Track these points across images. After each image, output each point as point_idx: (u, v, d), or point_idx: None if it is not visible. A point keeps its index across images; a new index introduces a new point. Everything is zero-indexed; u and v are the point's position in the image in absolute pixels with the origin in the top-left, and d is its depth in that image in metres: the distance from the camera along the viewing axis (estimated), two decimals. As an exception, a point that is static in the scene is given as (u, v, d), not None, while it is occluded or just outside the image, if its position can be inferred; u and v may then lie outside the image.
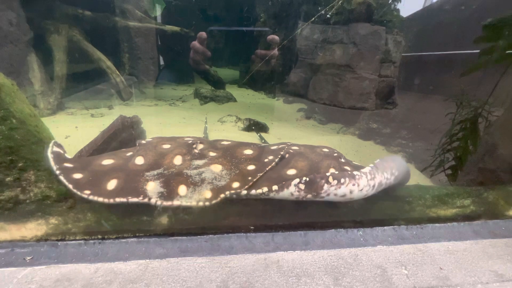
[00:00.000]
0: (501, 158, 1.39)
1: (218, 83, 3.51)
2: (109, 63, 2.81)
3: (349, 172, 0.81)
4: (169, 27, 3.52)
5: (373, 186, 0.85)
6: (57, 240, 0.85)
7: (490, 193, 1.18)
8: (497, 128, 1.48)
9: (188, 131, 2.23)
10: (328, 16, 3.45)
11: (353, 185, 0.81)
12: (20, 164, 0.88)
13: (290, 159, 1.02)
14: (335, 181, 0.80)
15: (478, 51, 1.35)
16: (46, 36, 2.51)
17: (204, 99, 3.18)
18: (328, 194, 0.83)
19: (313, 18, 2.89)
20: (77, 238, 0.86)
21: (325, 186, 0.80)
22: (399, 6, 3.32)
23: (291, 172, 0.96)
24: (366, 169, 0.83)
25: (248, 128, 2.30)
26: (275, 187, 0.83)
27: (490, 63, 1.23)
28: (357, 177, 0.80)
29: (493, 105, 1.57)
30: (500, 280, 0.80)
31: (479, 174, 1.50)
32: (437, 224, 1.03)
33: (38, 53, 2.45)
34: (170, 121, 2.49)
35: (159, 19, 3.55)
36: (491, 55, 1.16)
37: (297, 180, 0.81)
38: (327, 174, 0.81)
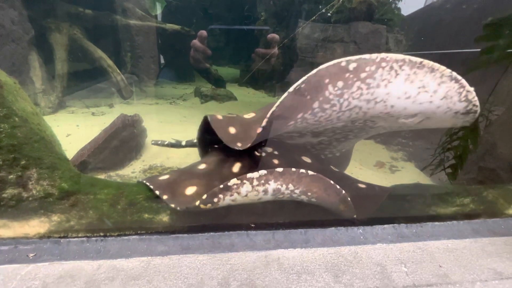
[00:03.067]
0: (501, 157, 1.39)
1: (218, 82, 3.51)
2: (109, 61, 2.81)
3: (223, 185, 0.75)
4: (169, 26, 3.52)
5: (265, 191, 0.78)
6: (60, 237, 0.85)
7: (490, 192, 1.19)
8: (497, 127, 1.48)
9: (189, 129, 2.23)
10: (329, 14, 3.44)
11: (231, 195, 0.77)
12: (22, 162, 0.89)
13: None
14: (209, 205, 0.78)
15: (479, 50, 1.35)
16: (47, 34, 2.52)
17: (205, 97, 3.18)
18: (216, 207, 0.80)
19: (314, 17, 2.89)
20: (80, 235, 0.87)
21: (208, 206, 0.78)
22: (400, 4, 3.31)
23: (202, 166, 1.07)
24: (254, 174, 0.74)
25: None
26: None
27: (490, 62, 1.23)
28: (234, 187, 0.75)
29: (494, 104, 1.57)
30: (499, 277, 0.81)
31: (479, 173, 1.50)
32: (436, 223, 1.04)
33: (39, 52, 2.45)
34: (170, 119, 2.50)
35: (159, 18, 3.55)
36: (491, 54, 1.16)
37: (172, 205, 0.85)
38: (197, 203, 0.78)
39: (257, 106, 3.36)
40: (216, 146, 1.22)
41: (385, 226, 1.00)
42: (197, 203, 0.79)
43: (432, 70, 0.70)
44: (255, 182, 0.75)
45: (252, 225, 0.94)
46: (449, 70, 0.70)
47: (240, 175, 0.96)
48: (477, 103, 0.76)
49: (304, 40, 3.55)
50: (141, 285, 0.71)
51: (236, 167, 1.01)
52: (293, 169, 0.76)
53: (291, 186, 0.79)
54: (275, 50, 2.89)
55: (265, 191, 0.79)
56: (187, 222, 0.94)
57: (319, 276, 0.78)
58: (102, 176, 1.60)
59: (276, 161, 1.01)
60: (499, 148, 1.40)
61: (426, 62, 0.70)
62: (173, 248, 0.85)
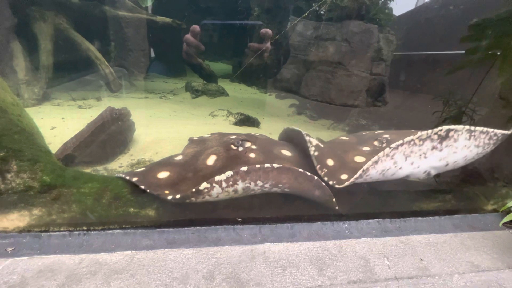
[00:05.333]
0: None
1: (210, 77, 3.48)
2: (97, 53, 2.73)
3: (195, 190, 0.79)
4: (160, 18, 3.44)
5: (235, 191, 0.82)
6: (41, 231, 0.83)
7: (471, 188, 1.23)
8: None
9: (178, 124, 2.20)
10: (322, 12, 3.45)
11: (203, 198, 0.81)
12: (1, 154, 0.86)
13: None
14: (180, 201, 0.82)
15: (463, 52, 1.38)
16: (31, 23, 2.42)
17: (196, 92, 3.14)
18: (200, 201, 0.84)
19: (305, 14, 2.89)
20: (62, 229, 0.85)
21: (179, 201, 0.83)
22: (392, 4, 3.35)
23: (178, 157, 1.13)
24: (222, 177, 0.77)
25: (239, 123, 2.30)
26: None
27: (474, 62, 1.26)
28: (205, 191, 0.78)
29: (478, 105, 1.61)
30: (475, 270, 0.84)
31: (462, 171, 1.55)
32: (419, 218, 1.06)
33: (22, 41, 2.36)
34: (160, 114, 2.46)
35: (150, 10, 3.47)
36: (475, 54, 1.19)
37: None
38: (168, 197, 0.84)
39: (248, 102, 3.35)
40: (195, 138, 1.24)
41: (370, 221, 1.02)
42: (169, 197, 0.83)
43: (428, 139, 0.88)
44: (224, 184, 0.78)
45: (239, 220, 0.95)
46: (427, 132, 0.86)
47: (214, 167, 0.98)
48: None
49: (297, 37, 3.55)
50: (124, 279, 0.70)
51: (211, 160, 1.02)
52: (258, 166, 0.77)
53: (259, 182, 0.82)
54: (268, 45, 2.87)
55: (235, 191, 0.82)
56: (173, 216, 0.93)
57: (304, 269, 0.79)
58: (88, 170, 1.57)
59: (253, 155, 1.02)
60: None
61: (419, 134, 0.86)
62: (158, 242, 0.84)
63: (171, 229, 0.89)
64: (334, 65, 3.34)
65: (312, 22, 3.41)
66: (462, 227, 1.05)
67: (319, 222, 0.98)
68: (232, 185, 0.79)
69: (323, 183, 0.86)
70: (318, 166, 0.97)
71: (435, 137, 0.87)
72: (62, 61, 2.63)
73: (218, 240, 0.87)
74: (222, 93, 3.25)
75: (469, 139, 0.91)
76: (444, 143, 0.89)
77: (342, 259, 0.84)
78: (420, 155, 0.90)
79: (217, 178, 0.76)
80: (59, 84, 2.68)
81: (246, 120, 2.31)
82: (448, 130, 0.87)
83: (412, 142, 0.86)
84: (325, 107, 3.19)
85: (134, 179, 0.94)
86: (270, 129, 2.34)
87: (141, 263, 0.76)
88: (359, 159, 1.07)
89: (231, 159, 1.01)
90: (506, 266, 0.86)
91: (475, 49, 1.19)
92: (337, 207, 0.92)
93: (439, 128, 0.86)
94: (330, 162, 1.02)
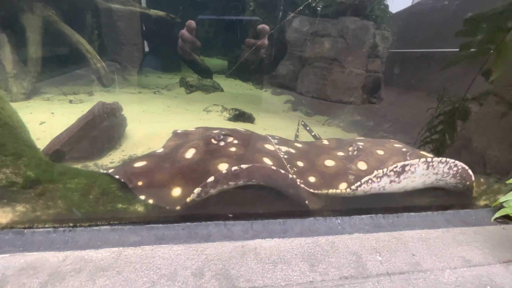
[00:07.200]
0: (476, 152, 1.44)
1: (205, 72, 3.43)
2: (88, 47, 2.66)
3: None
4: (154, 12, 3.38)
5: (210, 193, 0.86)
6: (24, 228, 0.80)
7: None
8: (473, 123, 1.53)
9: (172, 119, 2.17)
10: (318, 8, 3.43)
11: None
12: (-18, 148, 0.83)
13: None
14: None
15: (456, 49, 1.37)
16: (19, 15, 2.35)
17: (190, 88, 3.10)
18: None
19: (299, 8, 2.86)
20: (46, 226, 0.82)
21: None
22: (388, 1, 3.34)
23: (159, 150, 1.12)
24: (192, 196, 0.81)
25: (234, 118, 2.28)
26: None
27: (468, 57, 1.25)
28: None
29: (471, 101, 1.62)
30: (467, 265, 0.84)
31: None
32: (412, 213, 1.06)
33: (10, 34, 2.29)
34: (153, 109, 2.42)
35: (143, 3, 3.40)
36: (470, 49, 1.18)
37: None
38: (141, 196, 0.90)
39: (244, 98, 3.33)
40: (178, 131, 1.24)
41: (363, 216, 1.01)
42: (142, 197, 0.87)
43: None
44: (197, 199, 0.82)
45: (230, 215, 0.93)
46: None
47: (192, 161, 1.00)
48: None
49: (293, 33, 3.53)
50: (110, 277, 0.68)
51: (190, 153, 1.03)
52: (224, 171, 0.81)
53: (232, 183, 0.86)
54: (264, 41, 2.84)
55: (210, 193, 0.86)
56: (163, 212, 0.91)
57: (295, 265, 0.78)
58: (78, 166, 1.53)
59: (233, 149, 1.02)
60: (474, 143, 1.45)
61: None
62: (146, 238, 0.82)
63: (160, 225, 0.87)
64: (330, 62, 3.33)
65: (308, 18, 3.39)
66: (454, 222, 1.05)
67: (312, 218, 0.97)
68: (205, 194, 0.83)
69: (298, 183, 0.89)
70: (288, 166, 1.04)
71: (392, 173, 0.91)
72: (51, 55, 2.56)
73: (208, 236, 0.85)
74: (217, 88, 3.22)
75: (427, 169, 0.94)
76: (402, 176, 0.93)
77: (334, 254, 0.83)
78: (379, 189, 0.95)
79: (189, 199, 0.80)
80: (48, 78, 2.62)
81: (241, 116, 2.29)
82: (404, 166, 0.90)
83: (369, 181, 0.91)
84: (320, 104, 3.19)
85: (110, 170, 0.97)
86: (265, 125, 2.32)
87: (128, 260, 0.74)
88: (329, 162, 1.14)
89: (210, 153, 1.02)
90: (497, 261, 0.86)
91: (469, 43, 1.18)
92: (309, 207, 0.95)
93: (394, 165, 0.89)
94: (300, 163, 1.09)
